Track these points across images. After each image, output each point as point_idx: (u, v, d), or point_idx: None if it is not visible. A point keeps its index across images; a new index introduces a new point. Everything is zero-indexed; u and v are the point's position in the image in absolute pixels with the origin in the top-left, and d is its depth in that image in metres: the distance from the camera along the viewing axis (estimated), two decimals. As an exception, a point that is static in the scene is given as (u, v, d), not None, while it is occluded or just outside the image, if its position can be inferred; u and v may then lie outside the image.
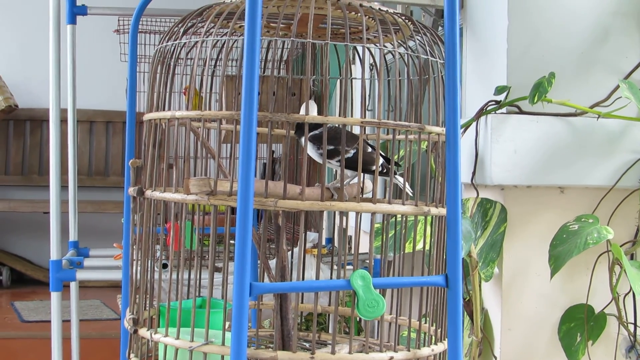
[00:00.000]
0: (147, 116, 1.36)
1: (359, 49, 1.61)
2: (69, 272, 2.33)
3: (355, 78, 1.64)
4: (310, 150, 1.36)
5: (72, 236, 2.86)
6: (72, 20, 2.82)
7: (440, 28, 2.39)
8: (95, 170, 5.97)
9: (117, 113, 5.93)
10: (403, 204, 1.27)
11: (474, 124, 1.94)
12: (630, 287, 1.89)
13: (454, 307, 1.22)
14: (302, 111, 1.25)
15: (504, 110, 1.92)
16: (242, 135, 1.12)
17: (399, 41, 1.36)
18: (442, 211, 1.31)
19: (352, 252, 1.68)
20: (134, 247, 1.46)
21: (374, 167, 1.32)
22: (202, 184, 1.20)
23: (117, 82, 5.43)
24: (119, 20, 3.46)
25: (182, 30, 1.34)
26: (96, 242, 3.40)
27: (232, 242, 2.04)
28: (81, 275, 2.32)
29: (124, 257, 1.83)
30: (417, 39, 1.35)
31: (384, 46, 1.28)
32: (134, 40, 1.95)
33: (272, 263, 1.49)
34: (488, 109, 1.93)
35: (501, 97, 1.92)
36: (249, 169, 1.12)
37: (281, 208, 1.19)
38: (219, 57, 1.49)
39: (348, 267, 2.04)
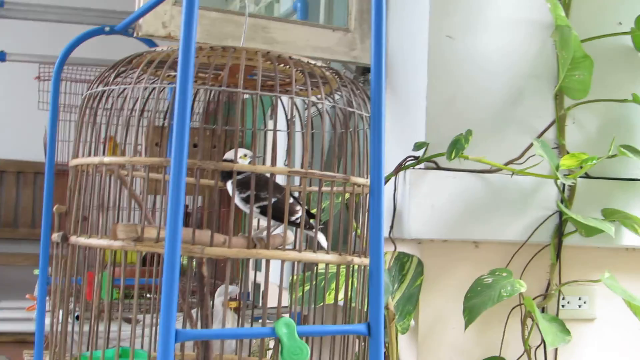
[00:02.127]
0: (74, 162, 1.37)
1: (285, 100, 1.64)
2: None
3: (279, 130, 1.67)
4: (236, 198, 1.38)
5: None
6: (-10, 67, 2.81)
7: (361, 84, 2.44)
8: (4, 221, 5.86)
9: (28, 163, 5.85)
10: (327, 253, 1.29)
11: (393, 178, 1.98)
12: (542, 340, 1.94)
13: (375, 356, 1.24)
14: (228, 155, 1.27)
15: (422, 165, 1.97)
16: (171, 181, 1.13)
17: (327, 94, 1.39)
18: (365, 261, 1.34)
19: (270, 305, 1.70)
20: (51, 297, 1.45)
21: (293, 218, 1.34)
22: (130, 230, 1.21)
23: (30, 131, 5.36)
24: (39, 67, 3.44)
25: (112, 75, 1.35)
26: (3, 295, 3.35)
27: (148, 294, 2.04)
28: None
29: (38, 308, 1.81)
30: (344, 92, 1.38)
31: (318, 98, 1.31)
32: (56, 88, 1.95)
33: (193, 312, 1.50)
34: (407, 164, 1.97)
35: (420, 153, 1.97)
36: (177, 215, 1.13)
37: (208, 255, 1.21)
38: (145, 108, 1.50)
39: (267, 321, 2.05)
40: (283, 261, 1.25)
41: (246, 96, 2.07)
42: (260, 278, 3.34)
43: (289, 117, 1.35)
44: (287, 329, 1.20)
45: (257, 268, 3.36)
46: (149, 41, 2.38)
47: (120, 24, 2.24)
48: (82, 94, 3.42)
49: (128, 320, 2.20)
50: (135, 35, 2.15)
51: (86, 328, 1.40)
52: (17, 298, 2.97)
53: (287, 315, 1.21)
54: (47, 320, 2.02)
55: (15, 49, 2.84)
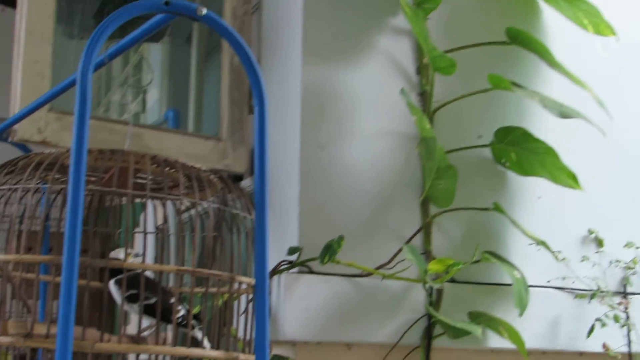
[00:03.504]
0: (-40, 260, 1.37)
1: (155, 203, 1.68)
2: None
3: (149, 232, 1.70)
4: (116, 294, 1.40)
5: None
6: None
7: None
8: None
9: None
10: (216, 348, 1.32)
11: (268, 282, 2.02)
12: None
13: None
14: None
15: (296, 269, 2.02)
16: (64, 277, 1.15)
17: (213, 197, 1.44)
18: (251, 357, 1.37)
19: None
20: None
21: (175, 317, 1.37)
22: (20, 326, 1.22)
23: None
24: None
25: (1, 174, 1.37)
26: None
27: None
28: None
29: None
30: (230, 195, 1.43)
31: (199, 200, 1.36)
32: None
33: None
34: (281, 268, 2.02)
35: (293, 257, 2.02)
36: (69, 311, 1.15)
37: (99, 350, 1.23)
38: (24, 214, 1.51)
39: None
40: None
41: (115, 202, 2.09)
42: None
43: (169, 219, 1.39)
44: None
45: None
46: (23, 146, 2.39)
47: (-6, 129, 2.25)
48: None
49: None
50: (10, 140, 2.16)
51: None
52: None
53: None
54: None
55: None
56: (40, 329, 1.24)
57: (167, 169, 1.45)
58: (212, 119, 2.66)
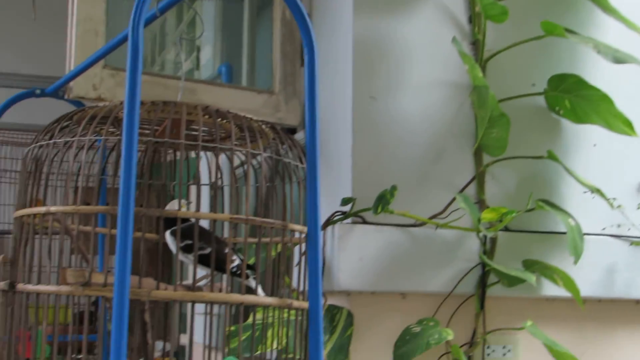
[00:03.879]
0: (19, 212, 1.40)
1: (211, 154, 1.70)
2: None
3: (203, 185, 1.72)
4: (171, 244, 1.43)
5: None
6: None
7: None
8: None
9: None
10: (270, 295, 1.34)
11: (322, 233, 2.04)
12: (468, 388, 2.01)
13: (316, 394, 1.29)
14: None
15: (349, 220, 2.03)
16: (119, 229, 1.17)
17: (265, 145, 1.46)
18: (304, 304, 1.39)
19: None
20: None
21: (231, 267, 1.39)
22: (78, 275, 1.25)
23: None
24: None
25: (57, 129, 1.40)
26: None
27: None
28: None
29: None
30: (282, 145, 1.45)
31: (252, 151, 1.37)
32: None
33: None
34: (334, 219, 2.04)
35: (347, 208, 2.03)
36: (125, 260, 1.17)
37: (155, 298, 1.25)
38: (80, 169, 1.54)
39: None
40: (212, 317, 1.30)
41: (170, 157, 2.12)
42: (185, 340, 3.35)
43: (222, 171, 1.40)
44: (232, 368, 1.24)
45: (181, 330, 3.38)
46: (79, 103, 2.42)
47: (51, 86, 2.28)
48: (7, 157, 3.43)
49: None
50: (65, 97, 2.19)
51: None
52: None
53: None
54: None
55: None
56: (98, 278, 1.27)
57: (219, 119, 1.46)
58: (264, 73, 2.68)
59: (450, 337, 1.89)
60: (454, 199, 2.08)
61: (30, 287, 1.34)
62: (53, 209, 1.32)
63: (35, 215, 1.37)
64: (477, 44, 2.17)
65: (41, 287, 1.32)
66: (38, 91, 2.12)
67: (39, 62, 5.25)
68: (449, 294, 2.05)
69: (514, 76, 2.21)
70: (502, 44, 2.15)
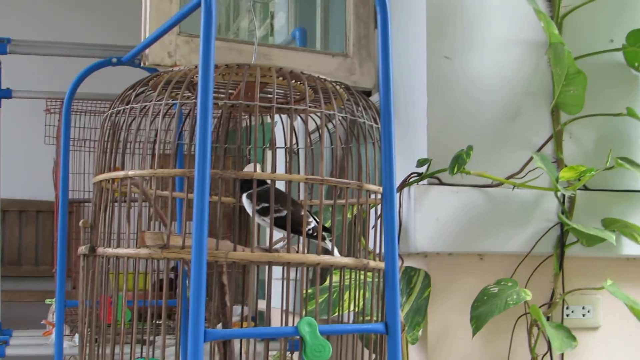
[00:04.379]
0: (98, 177, 1.42)
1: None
2: (-3, 348, 2.36)
3: (278, 147, 1.73)
4: (248, 207, 1.44)
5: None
6: (-5, 105, 2.87)
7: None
8: (8, 259, 5.89)
9: (30, 202, 5.89)
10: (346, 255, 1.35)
11: (398, 194, 2.04)
12: (548, 348, 1.99)
13: (393, 353, 1.30)
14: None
15: (425, 181, 2.03)
16: (196, 190, 1.19)
17: (340, 107, 1.46)
18: (380, 264, 1.39)
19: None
20: (79, 315, 1.50)
21: (308, 229, 1.40)
22: (157, 237, 1.27)
23: (31, 170, 5.43)
24: (46, 101, 3.51)
25: (133, 95, 1.41)
26: (15, 327, 3.39)
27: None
28: (10, 351, 2.34)
29: (56, 330, 1.85)
30: (358, 106, 1.44)
31: (326, 112, 1.37)
32: (67, 119, 2.01)
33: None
34: (410, 180, 2.03)
35: (423, 169, 2.03)
36: (202, 222, 1.19)
37: (232, 259, 1.26)
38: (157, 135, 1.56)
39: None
40: (289, 282, 1.31)
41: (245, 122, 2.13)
42: (263, 305, 3.39)
43: (297, 133, 1.41)
44: (309, 328, 1.25)
45: (259, 295, 3.41)
46: (155, 71, 2.45)
47: (127, 54, 2.31)
48: (86, 127, 3.49)
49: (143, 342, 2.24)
50: (142, 65, 2.22)
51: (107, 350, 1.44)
52: (29, 329, 3.02)
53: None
54: (65, 343, 2.07)
55: (20, 86, 2.89)
56: (176, 241, 1.29)
57: (293, 81, 1.46)
58: (338, 37, 2.67)
59: (528, 298, 1.88)
60: (531, 159, 2.06)
61: (109, 250, 1.37)
62: (131, 172, 1.34)
63: (113, 180, 1.39)
64: (552, 1, 2.14)
65: (120, 251, 1.34)
66: (114, 60, 2.14)
67: (114, 31, 5.33)
68: (527, 255, 2.03)
69: (591, 32, 2.17)
70: (579, 0, 2.12)
